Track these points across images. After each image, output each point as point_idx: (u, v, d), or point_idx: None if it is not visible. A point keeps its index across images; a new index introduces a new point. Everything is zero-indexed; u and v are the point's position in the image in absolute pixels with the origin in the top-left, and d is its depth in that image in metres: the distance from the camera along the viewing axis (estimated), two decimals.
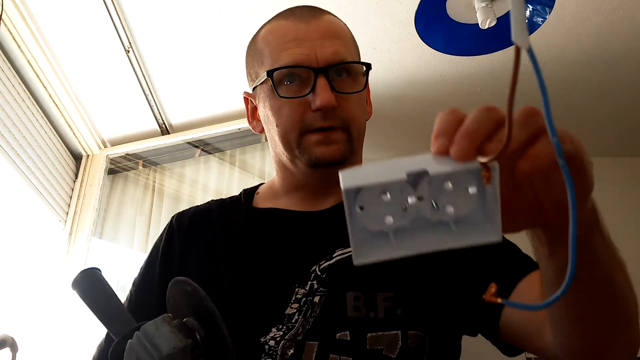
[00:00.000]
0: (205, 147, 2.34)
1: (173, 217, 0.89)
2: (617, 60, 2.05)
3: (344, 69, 0.76)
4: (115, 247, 2.22)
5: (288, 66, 0.73)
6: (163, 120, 2.26)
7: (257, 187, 0.92)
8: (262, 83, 0.78)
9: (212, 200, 0.92)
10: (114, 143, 2.34)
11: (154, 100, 2.14)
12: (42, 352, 1.87)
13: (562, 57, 2.02)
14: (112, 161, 2.34)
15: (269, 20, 0.83)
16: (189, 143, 2.33)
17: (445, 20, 1.78)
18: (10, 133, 1.76)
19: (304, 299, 0.71)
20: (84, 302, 0.54)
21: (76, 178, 2.27)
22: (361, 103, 0.79)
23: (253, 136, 2.29)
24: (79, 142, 2.23)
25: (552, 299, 0.34)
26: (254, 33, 0.85)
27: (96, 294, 0.53)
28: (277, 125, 0.77)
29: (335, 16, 0.83)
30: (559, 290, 0.33)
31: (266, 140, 2.27)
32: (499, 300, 0.36)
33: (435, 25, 1.82)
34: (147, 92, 2.09)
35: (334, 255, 0.73)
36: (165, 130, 2.31)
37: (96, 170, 2.27)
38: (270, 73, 0.74)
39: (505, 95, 0.32)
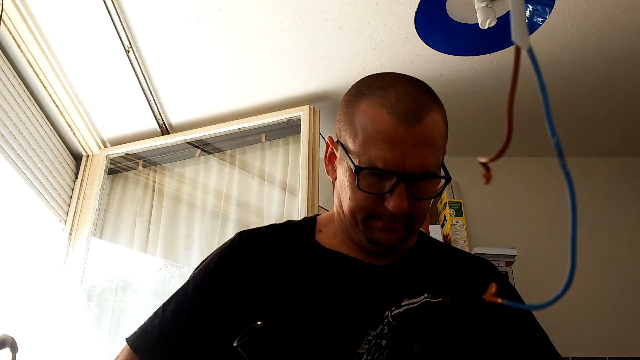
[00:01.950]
0: (205, 147, 2.34)
1: (243, 235, 0.92)
2: (617, 59, 2.05)
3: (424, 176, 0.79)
4: (115, 247, 2.22)
5: (375, 169, 0.76)
6: (163, 120, 2.26)
7: (314, 218, 0.96)
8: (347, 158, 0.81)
9: (273, 225, 0.96)
10: (114, 143, 2.35)
11: (154, 100, 2.15)
12: (42, 352, 1.87)
13: (562, 57, 2.02)
14: (112, 161, 2.34)
15: (373, 90, 0.80)
16: (189, 143, 2.33)
17: (445, 20, 1.78)
18: (10, 133, 1.76)
19: (374, 340, 0.77)
20: None
21: (76, 178, 2.27)
22: (429, 201, 0.82)
23: (253, 136, 2.28)
24: (79, 142, 2.23)
25: (553, 299, 0.34)
26: (355, 90, 0.83)
27: None
28: (349, 199, 0.82)
29: (440, 109, 0.80)
30: (559, 291, 0.33)
31: (266, 140, 2.27)
32: (499, 300, 0.36)
33: (435, 25, 1.82)
34: (147, 92, 2.09)
35: (402, 304, 0.80)
36: (165, 130, 2.31)
37: (96, 170, 2.27)
38: (358, 170, 0.77)
39: (505, 95, 0.32)
